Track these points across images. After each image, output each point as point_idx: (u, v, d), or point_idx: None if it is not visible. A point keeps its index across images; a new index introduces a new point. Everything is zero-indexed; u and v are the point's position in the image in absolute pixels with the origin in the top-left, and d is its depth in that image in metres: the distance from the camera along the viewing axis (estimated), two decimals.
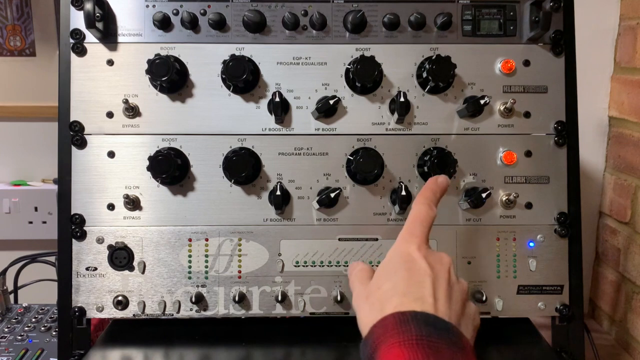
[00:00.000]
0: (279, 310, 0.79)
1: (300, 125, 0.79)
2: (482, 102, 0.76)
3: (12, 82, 1.26)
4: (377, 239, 0.79)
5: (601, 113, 1.16)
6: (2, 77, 1.26)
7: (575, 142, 0.80)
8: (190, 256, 0.79)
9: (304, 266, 0.79)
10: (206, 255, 0.79)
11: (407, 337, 0.48)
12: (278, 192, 0.76)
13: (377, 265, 0.78)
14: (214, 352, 0.77)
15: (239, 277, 0.79)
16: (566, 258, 0.80)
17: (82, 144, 0.78)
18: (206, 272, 0.79)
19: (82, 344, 0.79)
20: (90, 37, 0.78)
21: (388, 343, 0.49)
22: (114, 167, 0.79)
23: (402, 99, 0.76)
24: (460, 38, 0.80)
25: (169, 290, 0.79)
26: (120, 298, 0.78)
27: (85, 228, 0.78)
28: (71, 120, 0.78)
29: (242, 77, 0.75)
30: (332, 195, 0.76)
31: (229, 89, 0.78)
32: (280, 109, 0.76)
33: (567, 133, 0.80)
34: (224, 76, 0.77)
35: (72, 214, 0.78)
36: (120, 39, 0.79)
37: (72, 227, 0.78)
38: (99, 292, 0.78)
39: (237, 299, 0.78)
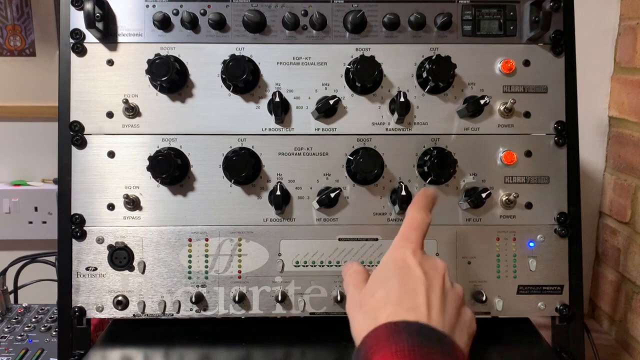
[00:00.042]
0: (279, 310, 0.79)
1: (300, 125, 0.79)
2: (482, 102, 0.76)
3: (12, 82, 1.26)
4: (377, 239, 0.80)
5: (601, 113, 1.16)
6: (2, 77, 1.25)
7: (575, 142, 0.80)
8: (190, 256, 0.79)
9: (304, 266, 0.79)
10: (206, 255, 0.79)
11: (399, 347, 0.48)
12: (278, 192, 0.76)
13: (376, 265, 0.79)
14: (214, 352, 0.77)
15: (239, 277, 0.79)
16: (566, 258, 0.80)
17: (82, 144, 0.78)
18: (206, 272, 0.79)
19: (82, 344, 0.79)
20: (90, 37, 0.78)
21: (380, 354, 0.48)
22: (114, 167, 0.79)
23: (402, 99, 0.76)
24: (460, 38, 0.80)
25: (169, 290, 0.79)
26: (120, 298, 0.78)
27: (85, 228, 0.78)
28: (71, 120, 0.78)
29: (242, 77, 0.75)
30: (332, 195, 0.76)
31: (229, 89, 0.78)
32: (280, 109, 0.76)
33: (567, 133, 0.80)
34: (224, 76, 0.77)
35: (72, 214, 0.78)
36: (120, 39, 0.79)
37: (72, 227, 0.78)
38: (99, 292, 0.78)
39: (237, 299, 0.78)
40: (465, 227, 0.80)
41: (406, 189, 0.76)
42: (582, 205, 0.80)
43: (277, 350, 0.77)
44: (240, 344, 0.78)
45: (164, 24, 0.78)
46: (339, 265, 0.79)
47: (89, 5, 0.74)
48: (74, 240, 0.78)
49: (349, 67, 0.78)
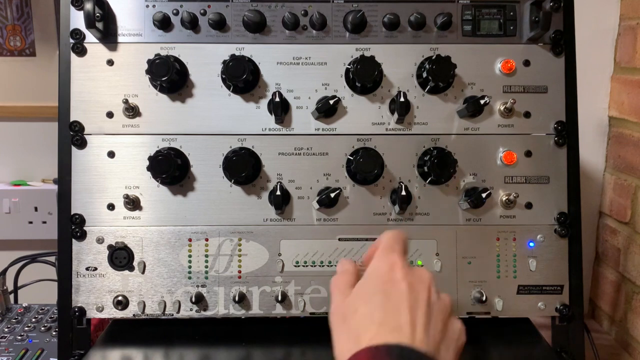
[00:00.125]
0: (279, 310, 0.79)
1: (300, 125, 0.79)
2: (482, 102, 0.76)
3: (12, 82, 1.26)
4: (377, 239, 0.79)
5: (601, 113, 1.16)
6: (2, 77, 1.25)
7: (575, 142, 0.80)
8: (190, 256, 0.79)
9: (304, 266, 0.79)
10: (206, 255, 0.79)
11: None
12: (278, 192, 0.76)
13: None
14: (214, 352, 0.77)
15: (239, 277, 0.79)
16: (566, 258, 0.80)
17: (82, 144, 0.78)
18: (206, 272, 0.79)
19: (82, 344, 0.79)
20: (90, 37, 0.78)
21: None
22: (114, 167, 0.79)
23: (402, 99, 0.76)
24: (460, 38, 0.80)
25: (169, 290, 0.79)
26: (120, 298, 0.78)
27: (85, 228, 0.78)
28: (71, 120, 0.78)
29: (242, 77, 0.75)
30: (332, 195, 0.76)
31: (229, 89, 0.78)
32: (280, 109, 0.76)
33: (567, 133, 0.80)
34: (224, 76, 0.77)
35: (72, 214, 0.78)
36: (120, 39, 0.79)
37: (72, 227, 0.78)
38: (99, 292, 0.78)
39: (237, 299, 0.78)
40: (465, 227, 0.80)
41: (406, 189, 0.76)
42: (582, 205, 0.80)
43: (277, 350, 0.77)
44: (240, 344, 0.79)
45: (164, 24, 0.78)
46: None
47: (89, 5, 0.74)
48: (74, 240, 0.78)
49: (349, 67, 0.78)
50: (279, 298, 0.78)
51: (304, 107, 0.79)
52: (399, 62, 0.79)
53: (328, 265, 0.79)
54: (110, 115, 0.78)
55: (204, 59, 0.79)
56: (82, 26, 0.77)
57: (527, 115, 0.80)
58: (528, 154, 0.80)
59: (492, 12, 0.80)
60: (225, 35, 0.79)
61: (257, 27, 0.78)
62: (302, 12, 0.79)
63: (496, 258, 0.80)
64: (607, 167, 1.16)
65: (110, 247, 0.78)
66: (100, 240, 0.78)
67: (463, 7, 0.80)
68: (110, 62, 0.78)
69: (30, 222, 1.27)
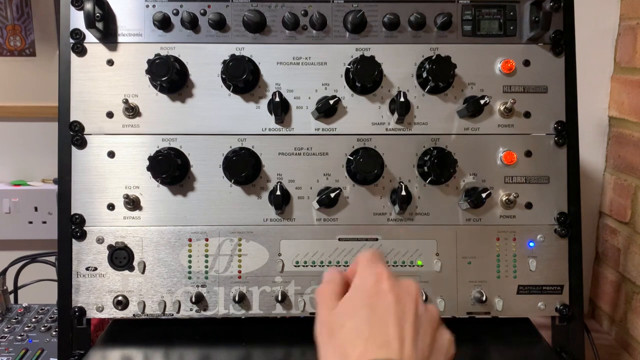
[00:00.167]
0: (279, 310, 0.79)
1: (300, 125, 0.79)
2: (482, 102, 0.76)
3: (12, 82, 1.26)
4: (377, 239, 0.80)
5: (601, 113, 1.16)
6: (2, 77, 1.25)
7: (575, 142, 0.80)
8: (190, 256, 0.79)
9: (304, 266, 0.79)
10: (206, 255, 0.79)
11: None
12: (278, 192, 0.76)
13: None
14: (214, 352, 0.77)
15: (239, 277, 0.79)
16: (566, 258, 0.80)
17: (82, 144, 0.78)
18: (206, 272, 0.79)
19: (82, 344, 0.79)
20: (90, 37, 0.78)
21: None
22: (114, 167, 0.79)
23: (402, 99, 0.76)
24: (460, 38, 0.80)
25: (169, 290, 0.79)
26: (120, 298, 0.78)
27: (85, 228, 0.78)
28: (71, 120, 0.78)
29: (242, 77, 0.75)
30: (332, 195, 0.76)
31: (229, 89, 0.78)
32: (280, 109, 0.76)
33: (567, 133, 0.80)
34: (224, 76, 0.77)
35: (72, 214, 0.78)
36: (120, 39, 0.79)
37: (72, 227, 0.78)
38: (99, 292, 0.78)
39: (237, 299, 0.78)
40: (465, 227, 0.80)
41: (406, 189, 0.76)
42: (582, 205, 0.80)
43: (277, 350, 0.77)
44: (240, 344, 0.79)
45: (164, 24, 0.78)
46: (339, 266, 0.79)
47: (89, 5, 0.74)
48: (74, 240, 0.78)
49: (349, 67, 0.78)
50: (279, 298, 0.78)
51: (304, 107, 0.79)
52: (399, 62, 0.79)
53: (328, 265, 0.79)
54: (110, 115, 0.78)
55: (204, 59, 0.79)
56: (82, 26, 0.77)
57: (527, 115, 0.80)
58: (528, 154, 0.80)
59: (492, 12, 0.80)
60: (225, 35, 0.79)
61: (257, 27, 0.78)
62: (302, 12, 0.79)
63: (496, 258, 0.80)
64: (607, 167, 1.16)
65: (110, 247, 0.78)
66: (100, 240, 0.78)
67: (463, 7, 0.80)
68: (110, 62, 0.78)
69: (30, 222, 1.27)
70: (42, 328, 0.96)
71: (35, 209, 1.26)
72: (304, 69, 0.79)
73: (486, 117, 0.80)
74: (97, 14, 0.76)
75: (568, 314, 0.79)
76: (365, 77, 0.76)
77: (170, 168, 0.75)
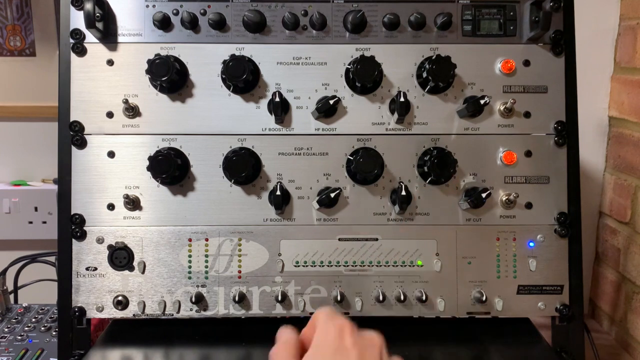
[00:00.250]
0: (279, 310, 0.79)
1: (300, 125, 0.79)
2: (482, 102, 0.76)
3: (12, 82, 1.26)
4: (377, 239, 0.80)
5: (601, 113, 1.16)
6: (2, 77, 1.25)
7: (575, 142, 0.80)
8: (190, 256, 0.79)
9: (304, 266, 0.79)
10: (206, 255, 0.79)
11: None
12: (278, 192, 0.76)
13: (376, 266, 0.79)
14: (214, 352, 0.77)
15: (239, 277, 0.79)
16: (566, 258, 0.80)
17: (82, 144, 0.78)
18: (206, 272, 0.79)
19: (82, 344, 0.79)
20: (90, 37, 0.78)
21: None
22: (114, 167, 0.79)
23: (402, 99, 0.76)
24: (460, 38, 0.80)
25: (169, 290, 0.79)
26: (120, 298, 0.78)
27: (85, 228, 0.78)
28: (71, 120, 0.78)
29: (242, 77, 0.75)
30: (332, 195, 0.76)
31: (229, 89, 0.78)
32: (280, 109, 0.76)
33: (567, 133, 0.80)
34: (224, 76, 0.77)
35: (72, 214, 0.78)
36: (120, 39, 0.79)
37: (72, 227, 0.78)
38: (99, 292, 0.78)
39: (237, 299, 0.78)
40: (465, 227, 0.80)
41: (406, 189, 0.76)
42: (582, 205, 0.80)
43: None
44: (240, 344, 0.78)
45: (164, 24, 0.78)
46: (339, 265, 0.79)
47: (89, 5, 0.74)
48: (74, 240, 0.78)
49: (349, 67, 0.78)
50: (279, 298, 0.78)
51: (304, 107, 0.79)
52: (399, 62, 0.79)
53: (328, 265, 0.79)
54: (110, 115, 0.78)
55: (204, 59, 0.79)
56: (82, 26, 0.77)
57: (527, 115, 0.80)
58: (528, 154, 0.80)
59: (492, 12, 0.80)
60: (225, 35, 0.79)
61: (257, 27, 0.78)
62: (302, 12, 0.79)
63: (496, 258, 0.80)
64: (607, 167, 1.16)
65: (110, 247, 0.78)
66: (100, 240, 0.78)
67: (463, 7, 0.80)
68: (110, 62, 0.78)
69: (30, 222, 1.27)
70: (42, 328, 0.96)
71: (35, 209, 1.26)
72: (304, 69, 0.79)
73: (486, 117, 0.80)
74: (97, 14, 0.76)
75: (568, 314, 0.79)
76: (365, 77, 0.76)
77: (170, 168, 0.75)
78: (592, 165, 1.17)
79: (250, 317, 0.80)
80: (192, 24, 0.78)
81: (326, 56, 0.79)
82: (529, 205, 0.80)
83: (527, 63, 0.80)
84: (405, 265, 0.79)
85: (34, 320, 1.00)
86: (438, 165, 0.76)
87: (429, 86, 0.78)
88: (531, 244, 0.80)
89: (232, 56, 0.76)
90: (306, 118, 0.79)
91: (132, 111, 0.78)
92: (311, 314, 0.78)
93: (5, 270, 1.08)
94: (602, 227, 1.17)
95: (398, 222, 0.80)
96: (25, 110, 1.26)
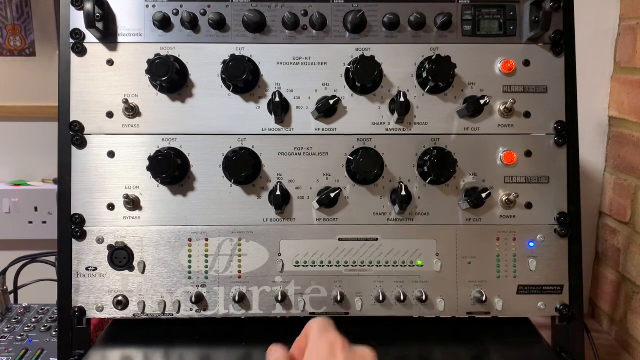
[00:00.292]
0: (279, 310, 0.79)
1: (300, 125, 0.79)
2: (482, 102, 0.76)
3: (12, 82, 1.26)
4: (377, 239, 0.80)
5: (601, 113, 1.16)
6: (2, 77, 1.25)
7: (575, 142, 0.80)
8: (190, 256, 0.79)
9: (304, 266, 0.79)
10: (206, 255, 0.79)
11: None
12: (278, 192, 0.76)
13: (376, 266, 0.79)
14: (214, 352, 0.77)
15: (239, 277, 0.79)
16: (566, 258, 0.80)
17: (82, 144, 0.78)
18: (206, 272, 0.79)
19: (82, 344, 0.79)
20: (90, 37, 0.78)
21: None
22: (114, 167, 0.79)
23: (402, 99, 0.76)
24: (460, 38, 0.80)
25: (169, 290, 0.79)
26: (120, 298, 0.78)
27: (85, 228, 0.78)
28: (71, 120, 0.78)
29: (242, 77, 0.75)
30: (332, 195, 0.76)
31: (229, 89, 0.78)
32: (280, 109, 0.76)
33: (567, 133, 0.80)
34: (224, 76, 0.77)
35: (72, 214, 0.78)
36: (120, 39, 0.79)
37: (72, 227, 0.78)
38: (99, 292, 0.78)
39: (237, 299, 0.78)
40: (465, 227, 0.80)
41: (406, 189, 0.76)
42: (582, 205, 0.80)
43: None
44: (240, 344, 0.78)
45: (164, 24, 0.78)
46: (339, 265, 0.79)
47: (89, 5, 0.74)
48: (74, 240, 0.78)
49: (349, 67, 0.78)
50: (279, 298, 0.78)
51: (304, 107, 0.79)
52: (399, 62, 0.79)
53: (328, 265, 0.79)
54: (110, 115, 0.78)
55: (204, 59, 0.79)
56: (82, 26, 0.77)
57: (527, 115, 0.80)
58: (528, 154, 0.80)
59: (492, 12, 0.80)
60: (225, 35, 0.79)
61: (257, 27, 0.78)
62: (302, 12, 0.79)
63: (496, 258, 0.80)
64: (607, 167, 1.16)
65: (110, 247, 0.78)
66: (100, 240, 0.78)
67: (463, 7, 0.80)
68: (110, 62, 0.78)
69: (30, 222, 1.27)
70: (42, 328, 0.96)
71: (35, 209, 1.26)
72: (304, 69, 0.79)
73: (486, 117, 0.80)
74: (97, 14, 0.76)
75: (568, 314, 0.79)
76: (365, 77, 0.76)
77: (170, 168, 0.75)
78: (592, 165, 1.17)
79: (250, 317, 0.80)
80: (192, 24, 0.78)
81: (326, 56, 0.79)
82: (529, 205, 0.80)
83: (527, 63, 0.80)
84: (405, 265, 0.79)
85: (34, 320, 1.00)
86: (438, 165, 0.76)
87: (429, 86, 0.78)
88: (531, 244, 0.80)
89: (232, 56, 0.76)
90: (306, 118, 0.79)
91: (132, 111, 0.78)
92: (311, 314, 0.79)
93: (5, 270, 1.08)
94: (602, 227, 1.17)
95: (398, 222, 0.80)
96: (25, 110, 1.26)
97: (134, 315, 0.78)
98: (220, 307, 0.79)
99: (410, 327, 0.82)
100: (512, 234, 0.80)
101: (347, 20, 0.79)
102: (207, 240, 0.79)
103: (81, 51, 0.78)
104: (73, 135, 0.78)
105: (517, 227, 0.80)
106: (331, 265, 0.79)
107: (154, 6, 0.79)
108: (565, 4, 0.79)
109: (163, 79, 0.75)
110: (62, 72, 0.78)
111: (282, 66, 0.79)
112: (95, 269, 0.78)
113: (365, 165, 0.76)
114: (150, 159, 0.75)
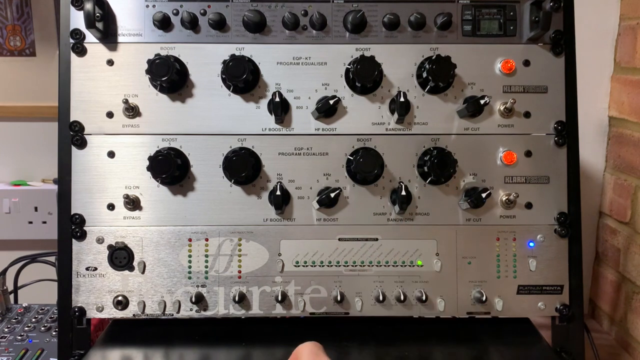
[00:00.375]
0: (279, 310, 0.79)
1: (300, 125, 0.79)
2: (482, 102, 0.76)
3: (12, 82, 1.26)
4: (377, 239, 0.80)
5: (601, 113, 1.16)
6: (2, 77, 1.25)
7: (575, 142, 0.80)
8: (190, 256, 0.79)
9: (304, 266, 0.79)
10: (206, 255, 0.79)
11: None
12: (278, 192, 0.76)
13: (376, 266, 0.79)
14: (214, 352, 0.77)
15: (239, 277, 0.79)
16: (566, 258, 0.80)
17: (82, 144, 0.78)
18: (206, 272, 0.79)
19: (82, 344, 0.79)
20: (90, 37, 0.78)
21: None
22: (114, 167, 0.79)
23: (402, 99, 0.76)
24: (460, 38, 0.80)
25: (169, 290, 0.79)
26: (120, 298, 0.78)
27: (85, 228, 0.78)
28: (71, 120, 0.78)
29: (242, 77, 0.75)
30: (332, 195, 0.76)
31: (229, 89, 0.78)
32: (280, 109, 0.76)
33: (567, 133, 0.80)
34: (224, 76, 0.77)
35: (72, 214, 0.78)
36: (120, 39, 0.79)
37: (72, 227, 0.78)
38: (99, 292, 0.78)
39: (237, 299, 0.78)
40: (465, 227, 0.80)
41: (406, 189, 0.76)
42: (582, 205, 0.80)
43: (277, 350, 0.77)
44: (240, 344, 0.78)
45: (164, 24, 0.78)
46: (339, 265, 0.79)
47: (89, 5, 0.74)
48: (74, 240, 0.78)
49: (349, 67, 0.78)
50: (279, 298, 0.78)
51: (304, 107, 0.79)
52: (399, 62, 0.79)
53: (328, 265, 0.79)
54: (110, 115, 0.78)
55: (204, 59, 0.79)
56: (82, 26, 0.77)
57: (527, 115, 0.80)
58: (528, 154, 0.80)
59: (492, 12, 0.80)
60: (225, 35, 0.79)
61: (257, 27, 0.78)
62: (302, 12, 0.79)
63: (496, 258, 0.80)
64: (607, 167, 1.16)
65: (110, 247, 0.78)
66: (100, 240, 0.78)
67: (463, 7, 0.80)
68: (110, 62, 0.78)
69: (30, 222, 1.27)
70: (42, 328, 0.96)
71: (35, 209, 1.26)
72: (304, 69, 0.79)
73: (486, 117, 0.80)
74: (97, 14, 0.76)
75: (568, 314, 0.79)
76: (365, 77, 0.76)
77: (170, 168, 0.75)
78: (592, 165, 1.17)
79: (250, 317, 0.80)
80: (192, 24, 0.78)
81: (326, 56, 0.79)
82: (529, 205, 0.80)
83: (527, 63, 0.80)
84: (405, 265, 0.79)
85: (34, 320, 1.00)
86: (438, 165, 0.76)
87: (429, 86, 0.78)
88: (531, 244, 0.80)
89: (232, 56, 0.76)
90: (306, 118, 0.79)
91: (132, 111, 0.78)
92: (311, 314, 0.79)
93: (5, 270, 1.08)
94: (602, 227, 1.17)
95: (398, 222, 0.80)
96: (25, 110, 1.26)
97: (134, 315, 0.78)
98: (220, 307, 0.79)
99: (410, 327, 0.82)
100: (512, 234, 0.80)
101: (347, 20, 0.79)
102: (207, 240, 0.79)
103: (81, 51, 0.78)
104: (73, 135, 0.78)
105: (517, 227, 0.80)
106: (331, 265, 0.79)
107: (154, 6, 0.79)
108: (565, 4, 0.79)
109: (163, 79, 0.75)
110: (62, 72, 0.78)
111: (282, 66, 0.79)
112: (95, 269, 0.78)
113: (365, 165, 0.76)
114: (150, 159, 0.75)
